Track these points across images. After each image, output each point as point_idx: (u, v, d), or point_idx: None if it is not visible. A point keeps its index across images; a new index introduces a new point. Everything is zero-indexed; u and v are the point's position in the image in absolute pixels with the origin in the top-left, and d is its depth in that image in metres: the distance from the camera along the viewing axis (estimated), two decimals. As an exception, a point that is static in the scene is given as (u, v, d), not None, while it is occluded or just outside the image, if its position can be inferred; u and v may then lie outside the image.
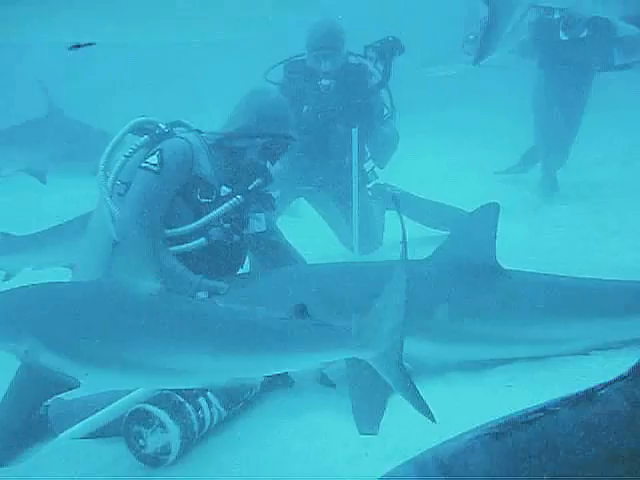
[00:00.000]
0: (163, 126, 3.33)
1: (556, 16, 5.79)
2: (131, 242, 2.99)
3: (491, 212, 3.19)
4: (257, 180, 3.34)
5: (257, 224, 3.42)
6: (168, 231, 3.22)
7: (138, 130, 3.35)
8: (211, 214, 3.22)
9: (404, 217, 3.46)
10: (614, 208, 5.77)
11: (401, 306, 2.38)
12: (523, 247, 4.90)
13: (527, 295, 3.14)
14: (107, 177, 3.32)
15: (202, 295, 3.12)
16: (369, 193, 5.10)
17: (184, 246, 3.22)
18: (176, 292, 3.04)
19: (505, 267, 3.19)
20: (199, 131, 3.41)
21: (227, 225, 3.27)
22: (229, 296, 3.10)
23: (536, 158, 6.63)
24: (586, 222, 5.59)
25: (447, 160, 7.62)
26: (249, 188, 3.31)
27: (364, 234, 4.76)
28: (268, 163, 3.37)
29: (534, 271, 3.32)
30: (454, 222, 4.45)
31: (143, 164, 3.17)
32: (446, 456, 1.32)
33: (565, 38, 5.89)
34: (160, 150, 3.18)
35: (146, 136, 3.31)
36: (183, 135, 3.30)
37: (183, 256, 3.23)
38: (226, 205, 3.24)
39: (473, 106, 10.20)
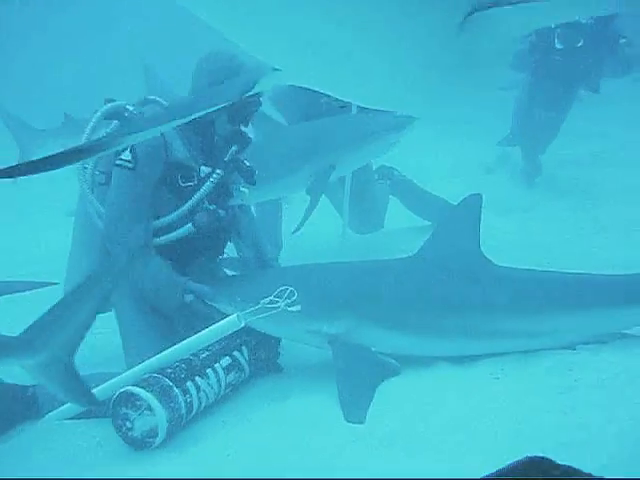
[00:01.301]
0: (131, 108, 3.29)
1: (553, 25, 5.81)
2: (120, 249, 3.07)
3: (474, 204, 3.20)
4: (233, 147, 3.29)
5: (241, 195, 3.40)
6: (155, 222, 3.18)
7: (109, 116, 3.30)
8: (195, 197, 3.18)
9: (404, 206, 3.42)
10: (607, 203, 5.79)
11: (78, 312, 2.53)
12: (514, 242, 4.92)
13: (513, 288, 3.15)
14: (86, 168, 3.31)
15: (189, 298, 3.10)
16: (375, 176, 5.12)
17: (172, 234, 3.20)
18: (163, 298, 3.07)
19: (491, 260, 3.20)
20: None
21: (212, 206, 3.24)
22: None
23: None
24: (578, 217, 5.62)
25: (435, 154, 7.55)
26: (225, 159, 3.26)
27: (365, 214, 4.82)
28: (241, 126, 3.29)
29: (524, 266, 3.33)
30: (440, 216, 4.48)
31: (117, 161, 3.13)
32: None
33: (560, 47, 5.92)
34: (131, 144, 3.11)
35: (116, 121, 3.28)
36: None
37: (172, 244, 3.20)
38: (208, 184, 3.20)
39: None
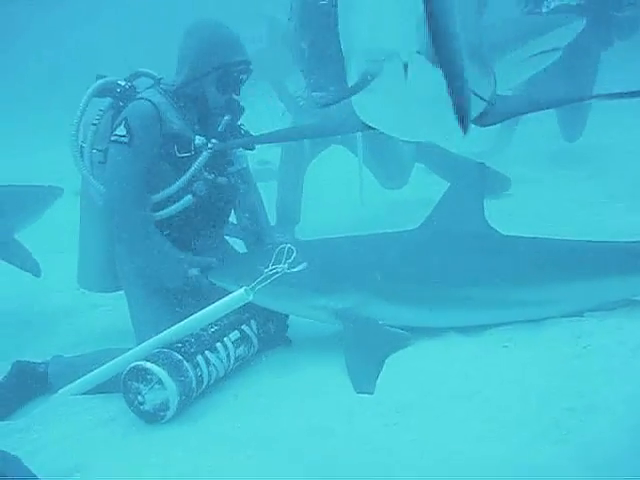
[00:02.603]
0: (123, 83, 3.27)
1: None
2: (123, 224, 3.07)
3: (477, 173, 3.18)
4: (225, 117, 3.25)
5: (240, 161, 3.38)
6: (155, 196, 3.17)
7: (101, 93, 3.28)
8: (193, 167, 3.16)
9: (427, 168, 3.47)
10: (614, 172, 5.74)
11: None
12: (521, 211, 4.90)
13: (520, 257, 3.14)
14: (82, 147, 3.30)
15: (194, 272, 3.11)
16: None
17: (172, 208, 3.18)
18: (167, 275, 3.07)
19: (497, 229, 3.19)
20: (159, 82, 3.29)
21: (210, 176, 3.23)
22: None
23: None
24: (585, 186, 5.58)
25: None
26: (219, 129, 3.22)
27: (392, 169, 5.01)
28: (233, 95, 3.24)
29: (531, 234, 3.32)
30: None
31: (112, 137, 3.11)
32: None
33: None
34: (125, 119, 3.09)
35: (108, 97, 3.27)
36: (145, 94, 3.19)
37: (174, 217, 3.20)
38: (204, 154, 3.17)
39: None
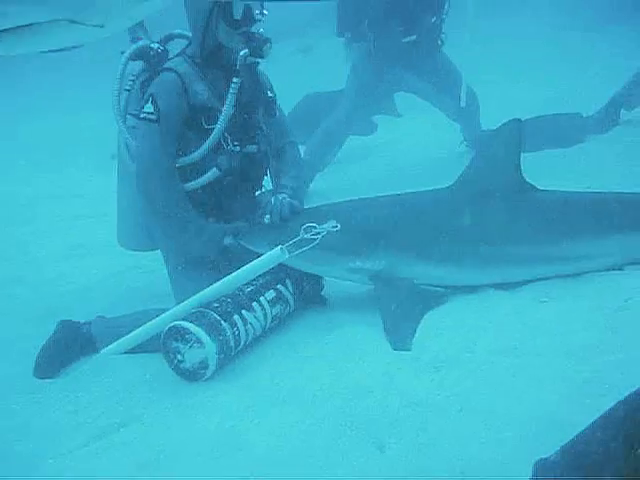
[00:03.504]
0: (156, 46, 3.24)
1: None
2: (155, 200, 3.08)
3: (514, 129, 3.10)
4: (241, 53, 3.09)
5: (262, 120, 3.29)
6: (181, 165, 3.16)
7: (135, 56, 3.27)
8: (214, 132, 3.11)
9: None
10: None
11: None
12: (561, 166, 4.81)
13: (557, 212, 3.08)
14: (120, 112, 3.31)
15: (229, 240, 3.13)
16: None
17: (200, 180, 3.17)
18: (202, 246, 3.09)
19: (534, 184, 3.12)
20: (186, 48, 3.25)
21: (236, 148, 3.19)
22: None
23: None
24: (624, 140, 5.43)
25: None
26: (237, 67, 3.10)
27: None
28: (249, 28, 3.10)
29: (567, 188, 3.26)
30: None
31: (141, 115, 3.09)
32: None
33: None
34: (152, 95, 3.07)
35: (141, 61, 3.25)
36: (172, 63, 3.15)
37: (203, 188, 3.19)
38: (222, 119, 3.09)
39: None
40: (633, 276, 2.90)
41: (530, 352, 2.47)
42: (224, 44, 3.13)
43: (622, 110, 5.64)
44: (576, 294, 2.84)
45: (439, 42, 5.30)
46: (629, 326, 2.48)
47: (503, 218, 3.08)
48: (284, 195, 3.22)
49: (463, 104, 5.21)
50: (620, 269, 2.97)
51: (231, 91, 3.11)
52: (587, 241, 3.03)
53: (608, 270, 2.98)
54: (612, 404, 2.03)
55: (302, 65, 9.97)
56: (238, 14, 3.06)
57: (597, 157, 5.09)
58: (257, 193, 3.45)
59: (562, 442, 1.77)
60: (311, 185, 5.28)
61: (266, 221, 3.12)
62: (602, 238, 3.03)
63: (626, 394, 1.55)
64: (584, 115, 5.70)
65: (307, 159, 5.17)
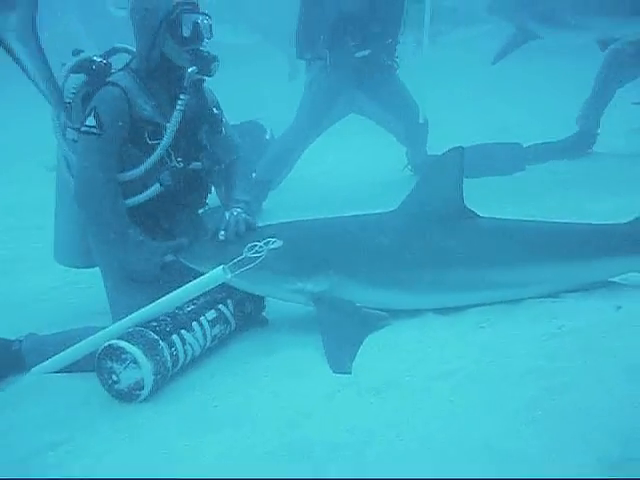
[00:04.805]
0: (98, 60, 3.19)
1: None
2: (94, 216, 3.04)
3: (456, 156, 3.16)
4: (189, 70, 3.05)
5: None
6: (124, 182, 3.11)
7: (77, 70, 3.20)
8: (158, 148, 3.07)
9: None
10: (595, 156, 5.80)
11: None
12: (507, 191, 4.93)
13: (496, 239, 3.14)
14: (60, 125, 3.24)
15: (169, 258, 3.09)
16: None
17: (142, 195, 3.12)
18: (142, 264, 3.05)
19: (474, 211, 3.18)
20: (130, 62, 3.20)
21: (180, 165, 3.16)
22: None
23: None
24: (563, 169, 5.63)
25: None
26: (185, 84, 3.06)
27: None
28: (198, 46, 3.08)
29: (507, 216, 3.33)
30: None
31: (82, 128, 3.04)
32: None
33: None
34: (94, 109, 3.02)
35: (82, 74, 3.19)
36: (115, 77, 3.11)
37: (145, 205, 3.15)
38: (167, 136, 3.06)
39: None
40: (567, 303, 2.98)
41: (468, 378, 2.49)
42: (171, 60, 3.10)
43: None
44: (513, 320, 2.89)
45: (394, 64, 5.41)
46: (562, 353, 2.54)
47: (443, 244, 3.12)
48: (239, 210, 3.19)
49: (422, 121, 5.34)
50: (556, 297, 3.05)
51: (178, 107, 3.08)
52: (523, 268, 3.10)
53: (543, 297, 3.05)
54: (544, 431, 2.08)
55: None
56: (187, 31, 3.05)
57: (538, 185, 5.25)
58: (200, 211, 3.41)
59: (498, 469, 1.80)
60: (264, 203, 5.27)
61: (221, 237, 3.09)
62: (538, 265, 3.10)
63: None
64: (524, 145, 5.89)
65: (260, 177, 5.16)
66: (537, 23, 6.03)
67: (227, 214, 3.16)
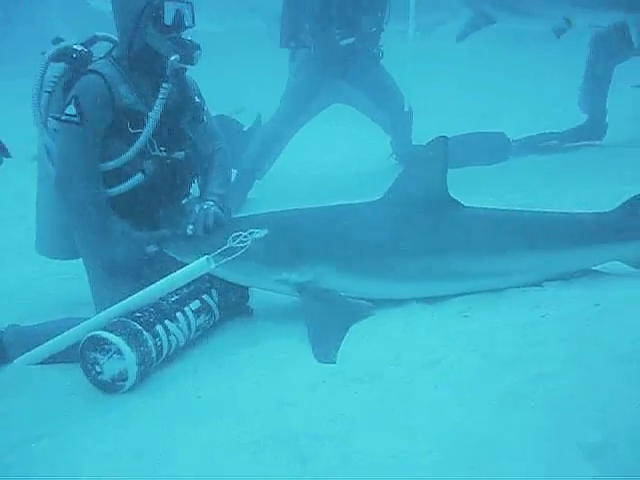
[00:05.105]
0: (79, 48, 3.15)
1: None
2: (75, 207, 3.00)
3: (440, 146, 3.17)
4: (172, 58, 3.03)
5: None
6: (106, 171, 3.08)
7: (57, 58, 3.16)
8: (141, 137, 3.04)
9: None
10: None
11: None
12: (491, 181, 4.93)
13: (479, 229, 3.16)
14: (41, 115, 3.20)
15: (153, 249, 3.06)
16: None
17: (125, 185, 3.10)
18: (124, 255, 3.02)
19: (458, 201, 3.19)
20: (112, 50, 3.18)
21: (163, 153, 3.13)
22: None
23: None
24: (550, 157, 5.66)
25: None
26: (167, 72, 3.03)
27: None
28: (180, 34, 3.06)
29: (492, 205, 3.35)
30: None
31: (63, 117, 3.00)
32: None
33: None
34: (75, 97, 2.98)
35: (62, 64, 3.15)
36: (97, 65, 3.08)
37: (128, 194, 3.12)
38: (149, 124, 3.03)
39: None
40: (550, 292, 3.00)
41: (451, 367, 2.50)
42: (153, 48, 3.07)
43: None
44: (497, 309, 2.91)
45: (378, 53, 5.40)
46: (546, 341, 2.56)
47: (427, 233, 3.12)
48: (210, 204, 3.17)
49: (407, 109, 5.34)
50: (539, 285, 3.07)
51: (160, 96, 3.05)
52: (507, 257, 3.12)
53: (528, 286, 3.07)
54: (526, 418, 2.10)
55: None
56: (169, 19, 3.01)
57: (521, 175, 5.28)
58: (184, 201, 3.39)
59: (480, 457, 1.81)
60: (249, 193, 5.25)
61: (189, 232, 3.07)
62: (521, 255, 3.12)
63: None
64: (509, 136, 5.90)
65: (245, 167, 5.15)
66: (493, 9, 6.05)
67: (197, 207, 3.14)
